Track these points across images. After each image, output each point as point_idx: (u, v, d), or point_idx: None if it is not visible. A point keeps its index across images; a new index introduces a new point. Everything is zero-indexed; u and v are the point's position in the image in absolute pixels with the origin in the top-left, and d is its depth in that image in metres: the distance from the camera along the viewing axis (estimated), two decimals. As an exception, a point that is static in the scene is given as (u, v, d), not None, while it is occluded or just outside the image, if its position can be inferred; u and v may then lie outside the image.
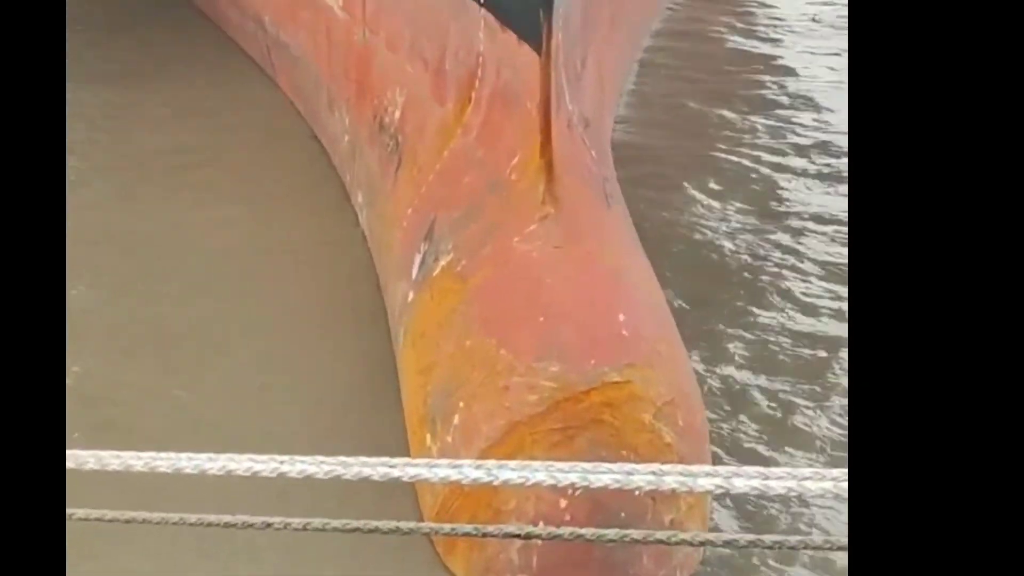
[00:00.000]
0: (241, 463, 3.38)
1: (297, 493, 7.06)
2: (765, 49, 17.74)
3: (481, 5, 9.14)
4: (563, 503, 6.94)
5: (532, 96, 8.36)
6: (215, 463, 3.38)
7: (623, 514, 6.91)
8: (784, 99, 15.73)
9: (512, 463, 3.75)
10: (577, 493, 6.88)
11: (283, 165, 13.40)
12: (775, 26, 18.83)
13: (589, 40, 10.78)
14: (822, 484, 3.90)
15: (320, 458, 3.52)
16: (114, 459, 3.60)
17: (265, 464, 3.41)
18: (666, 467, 3.88)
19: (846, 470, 3.94)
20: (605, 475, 3.80)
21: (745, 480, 3.90)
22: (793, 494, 3.91)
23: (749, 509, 8.02)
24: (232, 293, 10.80)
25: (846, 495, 3.87)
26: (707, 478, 3.90)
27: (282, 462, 3.45)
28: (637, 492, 6.66)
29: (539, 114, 8.24)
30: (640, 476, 3.85)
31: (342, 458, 3.56)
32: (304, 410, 9.11)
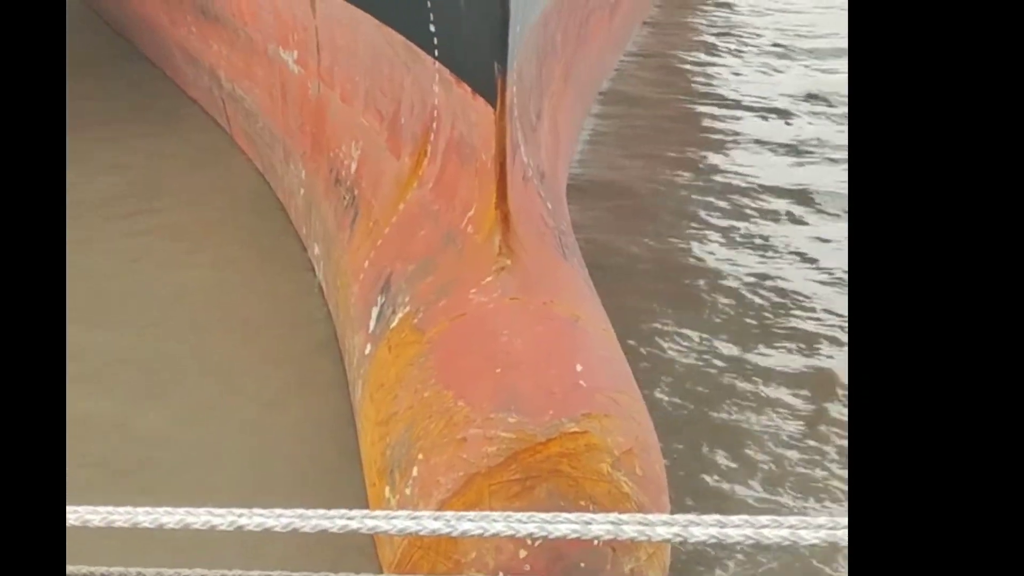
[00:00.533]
0: (199, 516, 3.37)
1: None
2: (705, 109, 18.07)
3: (435, 59, 9.19)
4: (523, 553, 6.92)
5: (487, 149, 8.39)
6: (172, 517, 3.38)
7: (583, 564, 6.90)
8: (725, 157, 16.01)
9: (471, 514, 3.76)
10: (537, 543, 6.87)
11: (239, 217, 13.41)
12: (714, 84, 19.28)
13: (543, 94, 10.85)
14: (779, 532, 3.92)
15: (278, 511, 3.52)
16: (71, 514, 3.58)
17: (223, 517, 3.41)
18: (624, 516, 3.90)
19: (804, 518, 3.96)
20: (564, 525, 3.82)
21: (703, 528, 3.92)
22: (750, 542, 3.93)
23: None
24: (185, 342, 10.78)
25: (804, 543, 3.89)
26: (665, 527, 3.92)
27: (240, 515, 3.44)
28: (596, 542, 6.67)
29: (494, 167, 8.28)
30: (599, 525, 3.87)
31: (300, 510, 3.56)
32: (261, 463, 9.09)
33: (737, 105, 18.08)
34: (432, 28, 9.08)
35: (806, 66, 20.14)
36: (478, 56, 8.41)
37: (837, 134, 16.67)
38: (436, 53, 9.17)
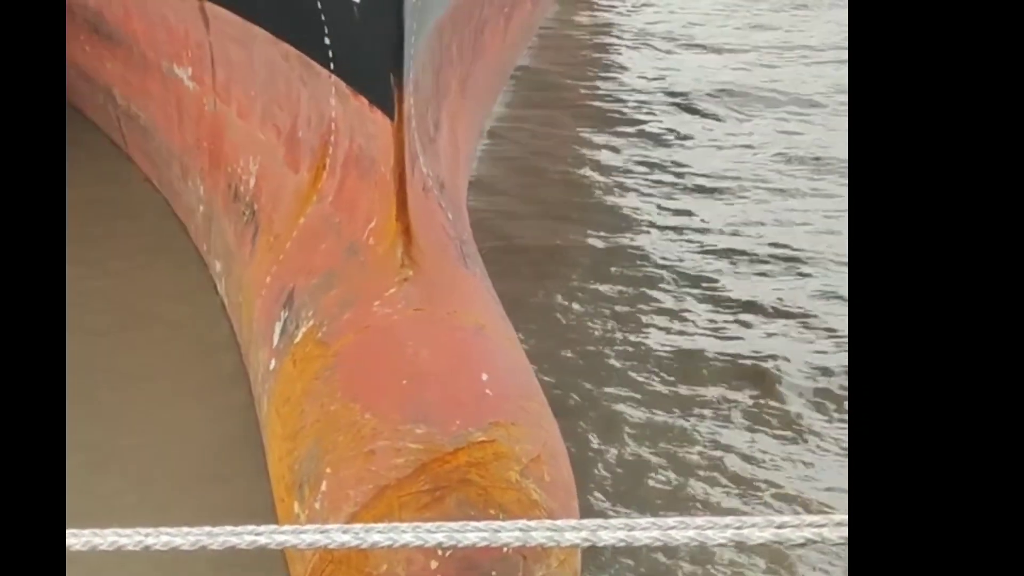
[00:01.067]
0: (106, 537, 3.35)
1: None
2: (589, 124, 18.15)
3: (331, 72, 9.17)
4: (434, 564, 6.93)
5: (386, 160, 8.39)
6: (79, 539, 3.35)
7: (494, 573, 6.93)
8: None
9: (380, 526, 3.76)
10: (447, 554, 6.88)
11: (139, 235, 13.29)
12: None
13: (441, 103, 10.86)
14: (686, 533, 3.96)
15: (186, 529, 3.50)
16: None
17: (130, 538, 3.38)
18: (533, 523, 3.92)
19: (711, 519, 4.00)
20: (472, 533, 3.83)
21: (611, 532, 3.95)
22: (658, 544, 3.96)
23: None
24: (89, 360, 10.62)
25: (711, 543, 3.93)
26: (573, 532, 3.94)
27: (147, 535, 3.42)
28: (506, 549, 6.69)
29: (394, 178, 8.28)
30: (507, 533, 3.89)
31: (208, 528, 3.54)
32: (168, 480, 9.00)
33: (623, 119, 18.17)
34: (327, 41, 9.07)
35: (698, 67, 20.33)
36: (374, 68, 8.41)
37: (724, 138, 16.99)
38: (332, 66, 9.15)
